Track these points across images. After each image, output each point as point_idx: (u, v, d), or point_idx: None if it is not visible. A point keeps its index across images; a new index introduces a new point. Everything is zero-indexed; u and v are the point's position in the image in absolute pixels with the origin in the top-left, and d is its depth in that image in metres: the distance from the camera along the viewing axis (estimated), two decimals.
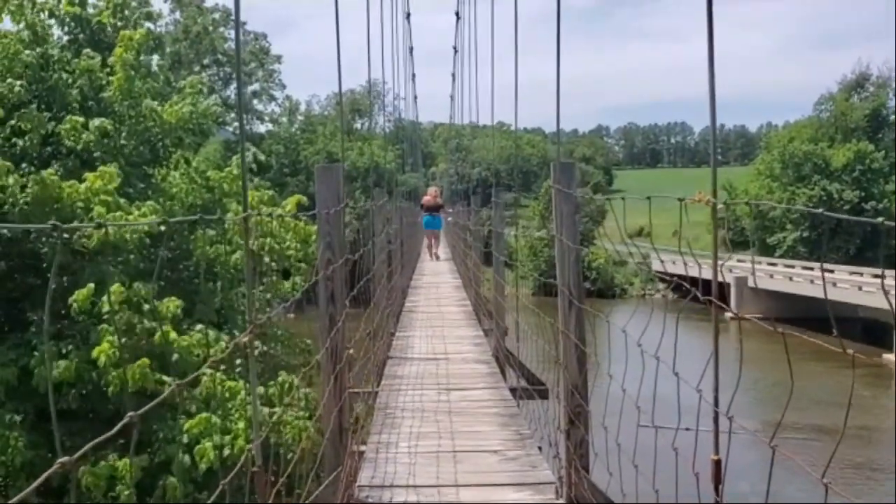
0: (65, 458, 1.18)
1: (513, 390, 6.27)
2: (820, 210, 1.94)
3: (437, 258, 21.26)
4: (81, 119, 10.79)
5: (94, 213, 9.31)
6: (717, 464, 1.97)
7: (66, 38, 13.64)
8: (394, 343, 8.16)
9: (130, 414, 1.57)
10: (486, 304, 10.36)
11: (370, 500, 3.69)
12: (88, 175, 9.43)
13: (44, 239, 9.73)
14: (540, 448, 4.71)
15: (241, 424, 9.36)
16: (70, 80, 11.84)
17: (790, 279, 38.31)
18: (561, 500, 3.64)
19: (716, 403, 2.02)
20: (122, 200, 9.99)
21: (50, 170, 9.67)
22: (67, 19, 13.76)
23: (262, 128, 55.76)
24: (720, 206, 2.03)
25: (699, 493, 2.05)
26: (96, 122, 10.85)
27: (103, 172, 9.34)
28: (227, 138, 52.84)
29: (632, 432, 2.98)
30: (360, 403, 5.83)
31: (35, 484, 1.29)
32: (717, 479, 1.96)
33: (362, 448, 4.72)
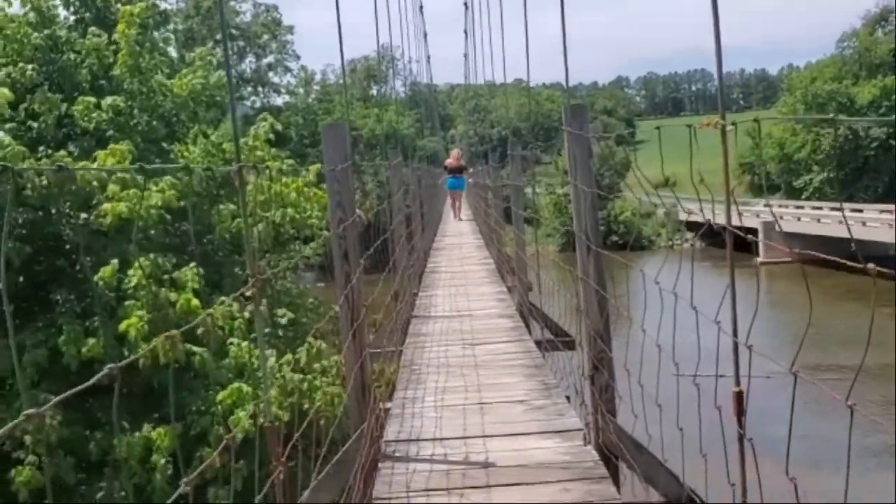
0: (31, 410, 1.13)
1: (538, 343, 6.21)
2: (831, 116, 1.84)
3: (461, 219, 21.80)
4: (93, 99, 10.77)
5: (108, 191, 9.32)
6: (739, 395, 1.90)
7: (72, 18, 13.60)
8: (417, 302, 8.12)
9: (110, 366, 1.52)
10: (509, 262, 10.28)
11: (397, 455, 3.67)
12: (100, 153, 9.42)
13: (65, 221, 9.77)
14: (568, 398, 4.66)
15: (274, 392, 9.41)
16: (78, 60, 11.80)
17: (818, 221, 37.74)
18: (589, 446, 3.59)
19: (734, 334, 1.94)
20: (139, 178, 9.99)
21: (63, 151, 9.68)
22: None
23: (279, 100, 55.59)
24: (729, 127, 1.92)
25: (722, 425, 1.98)
26: (108, 100, 10.83)
27: (114, 150, 9.32)
28: (245, 113, 52.85)
29: (660, 378, 2.91)
30: (384, 363, 5.81)
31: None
32: (740, 410, 1.88)
33: (388, 405, 4.70)
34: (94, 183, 9.66)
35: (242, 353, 9.60)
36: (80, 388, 1.43)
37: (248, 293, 2.37)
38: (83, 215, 9.77)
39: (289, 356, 9.69)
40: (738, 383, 1.90)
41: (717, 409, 2.09)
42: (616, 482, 3.31)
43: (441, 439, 3.82)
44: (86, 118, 10.63)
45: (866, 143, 46.61)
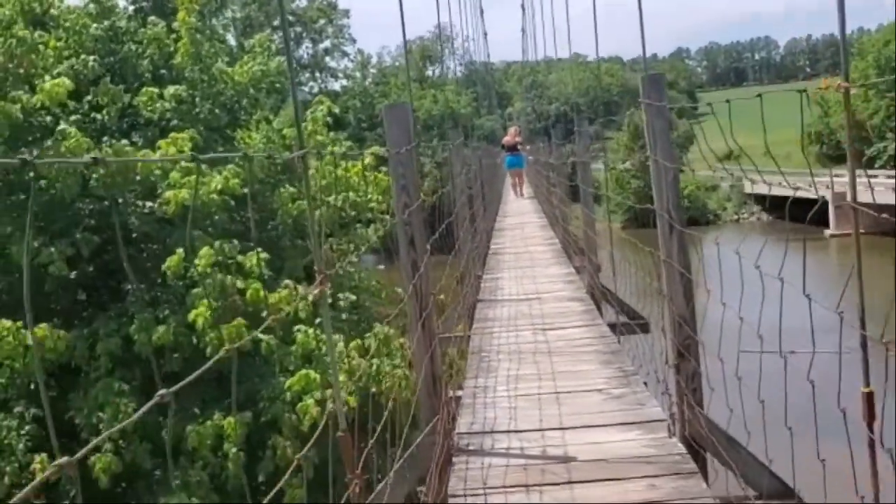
0: (63, 460, 1.02)
1: (611, 326, 6.00)
2: None
3: (523, 195, 21.54)
4: (156, 89, 10.85)
5: (170, 179, 9.38)
6: (870, 397, 1.68)
7: (131, 7, 13.74)
8: (482, 286, 7.95)
9: (160, 393, 1.40)
10: (576, 242, 10.04)
11: (471, 448, 3.52)
12: (161, 143, 9.48)
13: (130, 210, 9.87)
14: (646, 384, 4.45)
15: (342, 377, 9.39)
16: (139, 51, 11.90)
17: (894, 190, 36.24)
18: (674, 438, 3.38)
19: (862, 325, 1.72)
20: (203, 166, 10.04)
21: (124, 140, 9.77)
22: None
23: (336, 85, 55.81)
24: (853, 90, 1.70)
25: (847, 432, 1.76)
26: (171, 90, 10.89)
27: (175, 139, 9.36)
28: (304, 98, 53.24)
29: (747, 364, 2.70)
30: (452, 348, 5.67)
31: (34, 484, 1.14)
32: (871, 415, 1.66)
33: (458, 393, 4.56)
34: (157, 172, 9.76)
35: (309, 340, 9.59)
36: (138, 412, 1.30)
37: (312, 294, 2.24)
38: (149, 204, 9.87)
39: (357, 341, 9.66)
40: (867, 383, 1.68)
41: (841, 412, 1.88)
42: (705, 477, 3.11)
43: (516, 431, 3.66)
44: (149, 108, 10.72)
45: None
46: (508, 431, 3.67)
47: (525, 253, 10.31)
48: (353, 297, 10.44)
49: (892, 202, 34.16)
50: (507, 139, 21.06)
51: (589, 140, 8.04)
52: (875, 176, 40.95)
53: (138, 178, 9.69)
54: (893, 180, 37.55)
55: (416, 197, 3.25)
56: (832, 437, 2.05)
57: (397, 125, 3.33)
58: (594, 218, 7.18)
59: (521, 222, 14.89)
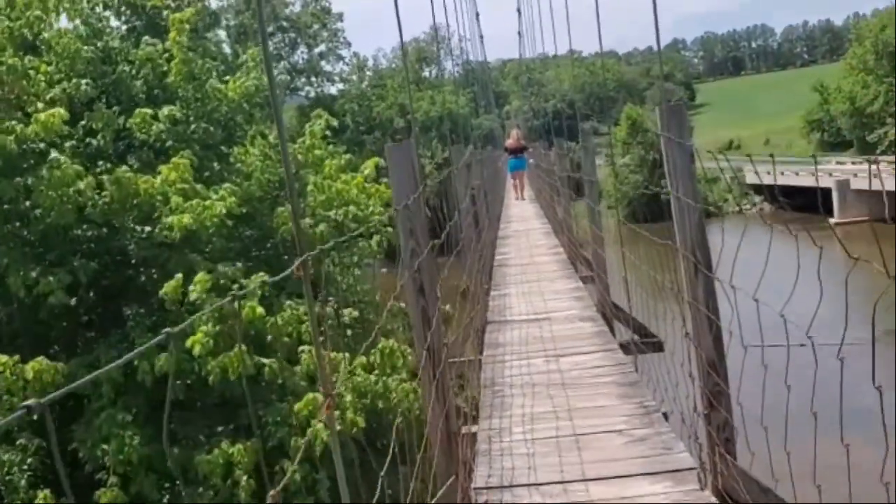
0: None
1: (624, 347, 5.82)
2: None
3: (523, 198, 21.95)
4: (150, 111, 10.68)
5: (172, 203, 9.21)
6: None
7: (124, 27, 13.55)
8: (490, 303, 7.77)
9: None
10: (581, 249, 9.87)
11: None
12: (163, 168, 9.32)
13: (129, 235, 9.70)
14: (665, 416, 4.26)
15: (349, 397, 9.22)
16: (133, 72, 11.73)
17: None
18: (706, 491, 3.19)
19: None
20: (199, 186, 9.87)
21: (124, 167, 9.60)
22: (123, 8, 13.67)
23: (333, 89, 55.65)
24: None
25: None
26: (165, 111, 10.72)
27: (177, 164, 9.20)
28: (301, 103, 53.05)
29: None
30: (464, 375, 5.50)
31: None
32: None
33: (473, 429, 4.38)
34: (158, 196, 9.59)
35: (314, 360, 9.42)
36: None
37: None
38: (147, 228, 9.69)
39: (362, 359, 9.48)
40: None
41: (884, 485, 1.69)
42: None
43: (537, 485, 3.46)
44: (143, 130, 10.55)
45: None
46: (528, 485, 3.47)
47: (531, 265, 10.12)
48: (356, 314, 10.26)
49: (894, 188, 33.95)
50: (510, 143, 21.65)
51: (592, 144, 7.82)
52: (877, 162, 40.70)
53: (136, 202, 9.51)
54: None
55: (424, 242, 3.06)
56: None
57: (401, 167, 3.16)
58: (600, 234, 6.97)
59: (526, 229, 14.71)
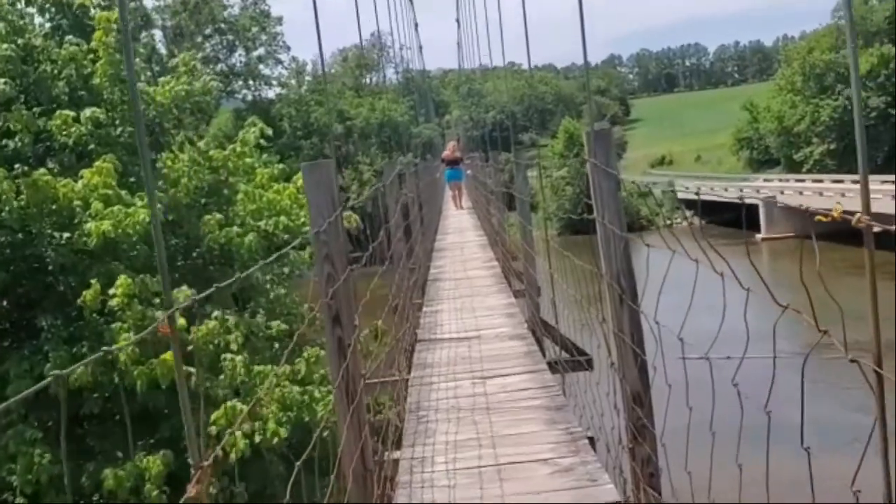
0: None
1: (551, 365, 5.76)
2: None
3: (462, 208, 22.51)
4: (71, 113, 10.26)
5: (92, 209, 8.85)
6: None
7: (48, 25, 13.03)
8: (422, 321, 7.64)
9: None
10: (514, 262, 9.82)
11: None
12: (85, 172, 8.94)
13: (47, 241, 9.27)
14: (591, 439, 4.19)
15: (274, 408, 8.98)
16: (55, 71, 11.27)
17: (820, 194, 37.31)
18: None
19: (877, 361, 1.43)
20: (123, 192, 9.51)
21: (42, 169, 9.18)
22: (48, 5, 13.16)
23: (271, 93, 54.93)
24: (875, 228, 1.40)
25: None
26: (87, 112, 10.31)
27: (100, 168, 8.84)
28: (237, 107, 52.15)
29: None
30: (387, 393, 5.35)
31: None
32: None
33: (395, 456, 4.24)
34: (77, 202, 9.20)
35: (237, 370, 9.15)
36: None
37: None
38: (66, 234, 9.27)
39: (286, 368, 9.25)
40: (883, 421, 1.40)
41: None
42: None
43: None
44: (64, 133, 10.13)
45: (865, 113, 46.09)
46: None
47: (465, 279, 10.03)
48: (285, 326, 10.00)
49: (818, 206, 35.01)
50: (447, 154, 22.12)
51: (524, 159, 7.76)
52: (803, 180, 41.99)
53: (54, 207, 9.10)
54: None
55: (342, 267, 2.90)
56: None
57: (319, 187, 2.96)
58: (533, 254, 6.89)
59: (462, 241, 14.63)
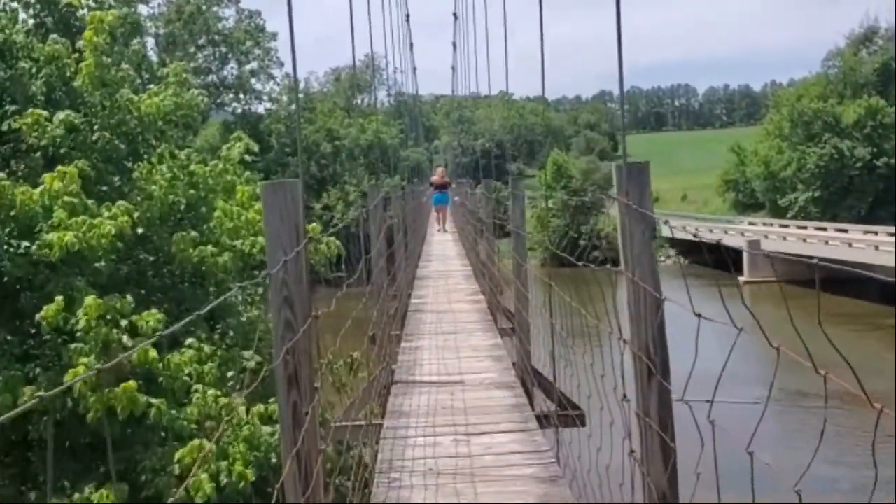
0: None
1: (540, 420, 5.25)
2: None
3: (445, 230, 23.85)
4: (44, 113, 9.72)
5: (55, 218, 8.27)
6: None
7: (31, 21, 12.52)
8: (400, 358, 7.10)
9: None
10: (501, 297, 9.35)
11: None
12: (46, 176, 8.37)
13: (3, 251, 8.67)
14: None
15: (241, 447, 8.39)
16: (34, 70, 10.74)
17: (804, 241, 37.27)
18: None
19: None
20: (90, 202, 8.94)
21: (2, 173, 8.61)
22: (33, 1, 12.67)
23: (261, 107, 54.54)
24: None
25: None
26: (61, 115, 9.77)
27: (61, 172, 8.27)
28: (227, 119, 51.61)
29: None
30: (359, 442, 4.81)
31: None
32: None
33: None
34: (38, 209, 8.63)
35: (208, 403, 8.55)
36: None
37: None
38: (25, 244, 8.67)
39: (259, 407, 8.66)
40: None
41: None
42: None
43: None
44: (35, 134, 9.57)
45: (851, 163, 46.31)
46: None
47: (448, 312, 9.50)
48: (259, 358, 9.42)
49: (801, 251, 34.82)
50: (435, 179, 23.97)
51: (522, 192, 7.30)
52: (786, 226, 41.93)
53: (13, 213, 8.52)
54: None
55: (304, 314, 2.36)
56: None
57: (281, 215, 2.40)
58: (526, 295, 6.38)
59: (446, 270, 14.12)
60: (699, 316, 1.89)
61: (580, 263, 4.07)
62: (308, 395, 2.31)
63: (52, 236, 8.17)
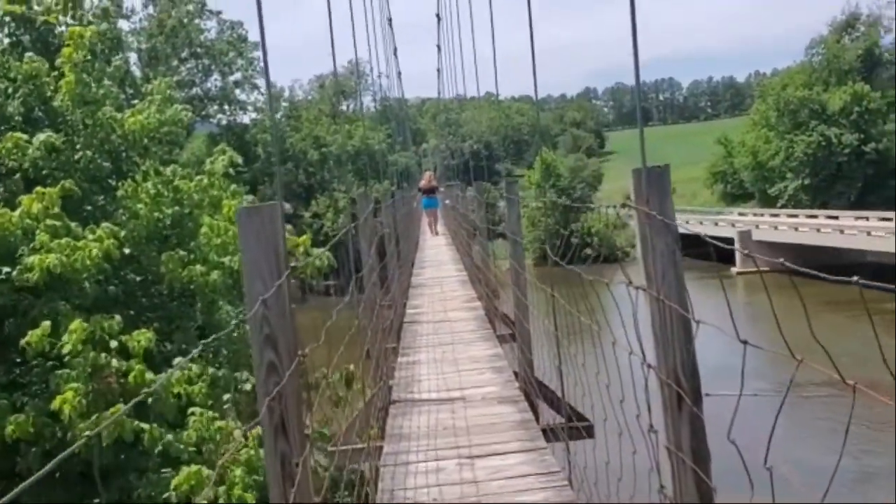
0: None
1: (546, 433, 5.04)
2: None
3: (437, 233, 23.96)
4: (24, 136, 9.46)
5: (36, 241, 8.02)
6: None
7: (6, 41, 12.24)
8: (397, 374, 6.88)
9: None
10: (498, 302, 9.15)
11: None
12: (24, 198, 8.12)
13: None
14: None
15: (238, 471, 8.14)
16: (10, 90, 10.47)
17: (795, 229, 37.22)
18: None
19: None
20: (73, 224, 8.68)
21: None
22: (7, 19, 12.39)
23: (246, 118, 54.18)
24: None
25: None
26: (41, 137, 9.50)
27: (40, 194, 8.02)
28: (212, 131, 51.23)
29: None
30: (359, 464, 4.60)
31: None
32: None
33: None
34: (18, 232, 8.37)
35: (204, 425, 8.29)
36: None
37: None
38: (6, 269, 8.41)
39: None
40: None
41: None
42: None
43: None
44: (13, 157, 9.32)
45: (839, 150, 46.37)
46: None
47: (445, 321, 9.28)
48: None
49: (793, 241, 34.80)
50: (423, 183, 23.92)
51: (517, 196, 7.08)
52: (777, 215, 41.89)
53: None
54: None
55: (290, 355, 2.12)
56: None
57: (259, 243, 2.15)
58: (526, 303, 6.15)
59: (440, 276, 13.89)
60: (745, 343, 1.68)
61: (569, 267, 3.88)
62: (299, 446, 2.07)
63: (32, 259, 7.93)
